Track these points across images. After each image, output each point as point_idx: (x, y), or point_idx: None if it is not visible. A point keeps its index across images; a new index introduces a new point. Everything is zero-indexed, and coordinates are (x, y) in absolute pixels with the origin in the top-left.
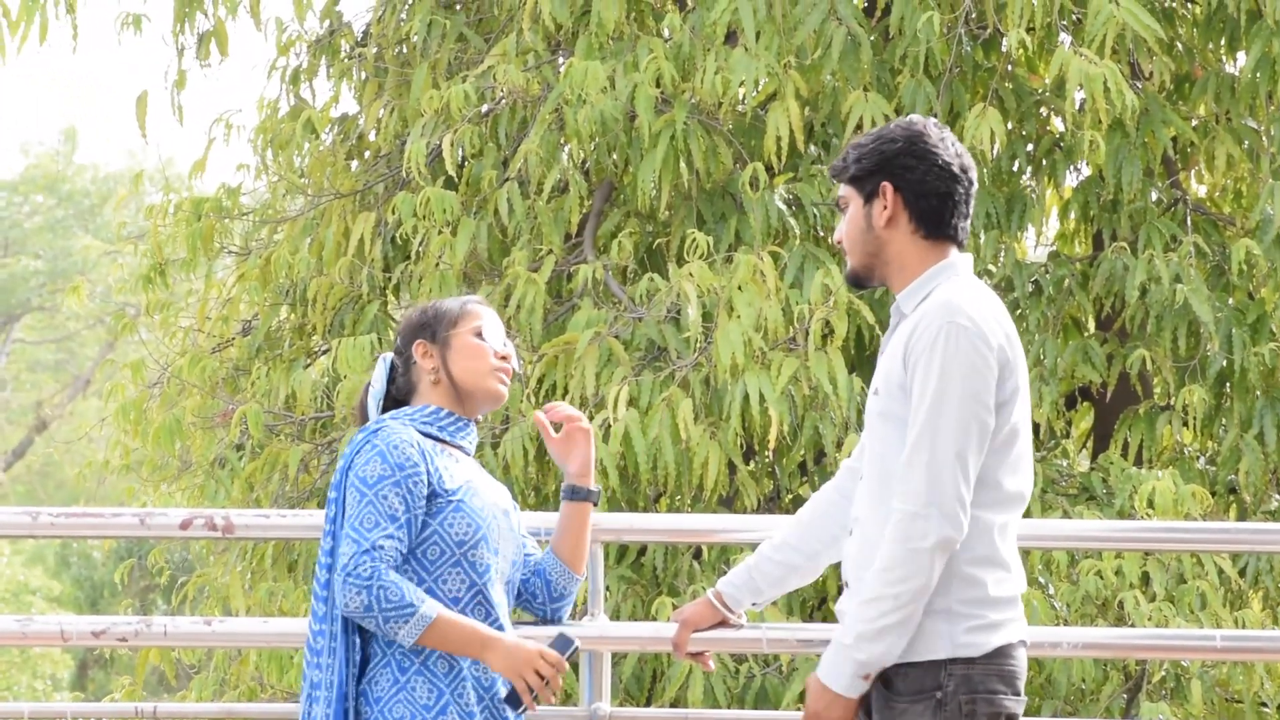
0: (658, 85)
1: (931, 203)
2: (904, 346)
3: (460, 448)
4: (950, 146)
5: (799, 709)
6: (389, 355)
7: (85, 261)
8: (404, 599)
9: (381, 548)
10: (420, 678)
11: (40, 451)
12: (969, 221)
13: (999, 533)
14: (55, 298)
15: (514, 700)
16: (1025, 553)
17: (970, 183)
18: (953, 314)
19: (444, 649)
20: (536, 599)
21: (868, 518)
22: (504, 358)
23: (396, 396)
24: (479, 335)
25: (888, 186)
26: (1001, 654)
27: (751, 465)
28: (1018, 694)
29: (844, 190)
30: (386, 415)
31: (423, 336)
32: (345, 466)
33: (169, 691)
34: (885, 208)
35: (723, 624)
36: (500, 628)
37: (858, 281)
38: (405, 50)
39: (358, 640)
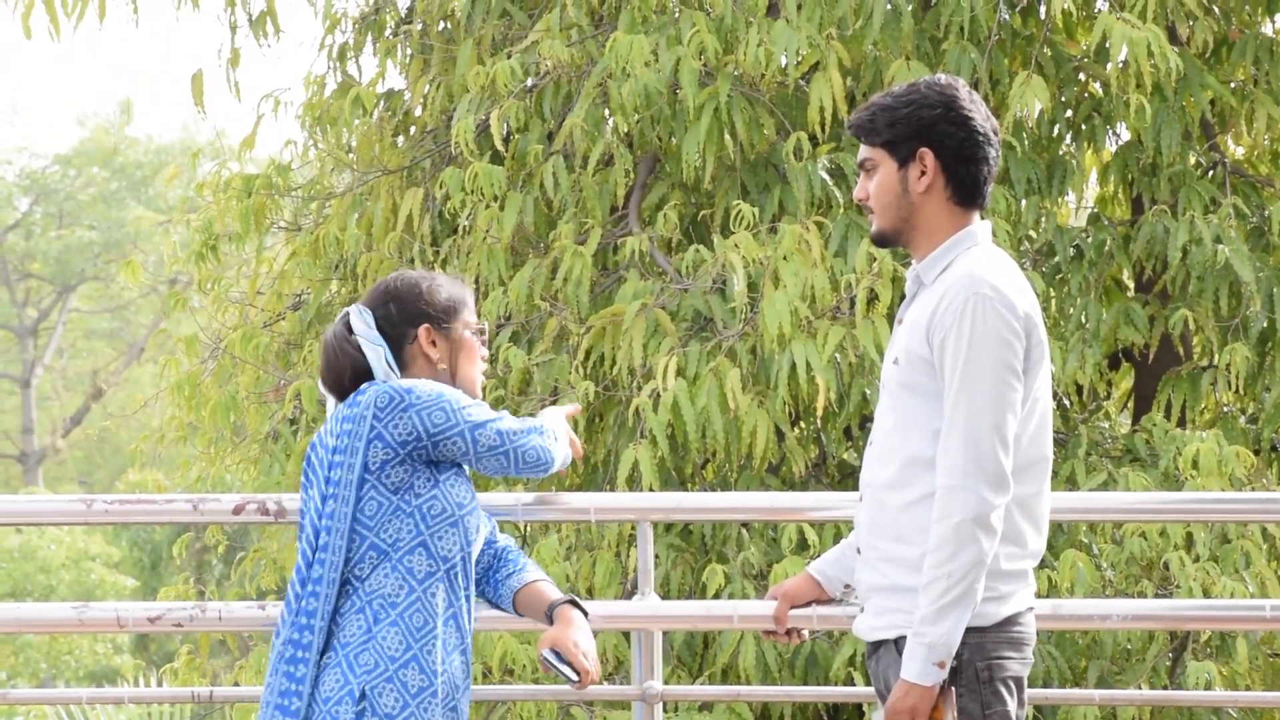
0: (701, 58)
1: (969, 169)
2: (927, 319)
3: None
4: (980, 109)
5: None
6: (366, 311)
7: (138, 232)
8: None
9: (500, 414)
10: (394, 628)
11: (97, 418)
12: (992, 185)
13: (1017, 505)
14: (109, 268)
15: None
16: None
17: (998, 145)
18: (976, 285)
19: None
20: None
21: (878, 484)
22: (482, 330)
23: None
24: (476, 332)
25: (928, 153)
26: (1011, 621)
27: (796, 431)
28: (1026, 659)
29: (871, 152)
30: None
31: (429, 323)
32: (371, 428)
33: (230, 654)
34: (924, 174)
35: (818, 600)
36: (469, 598)
37: (884, 241)
38: (449, 27)
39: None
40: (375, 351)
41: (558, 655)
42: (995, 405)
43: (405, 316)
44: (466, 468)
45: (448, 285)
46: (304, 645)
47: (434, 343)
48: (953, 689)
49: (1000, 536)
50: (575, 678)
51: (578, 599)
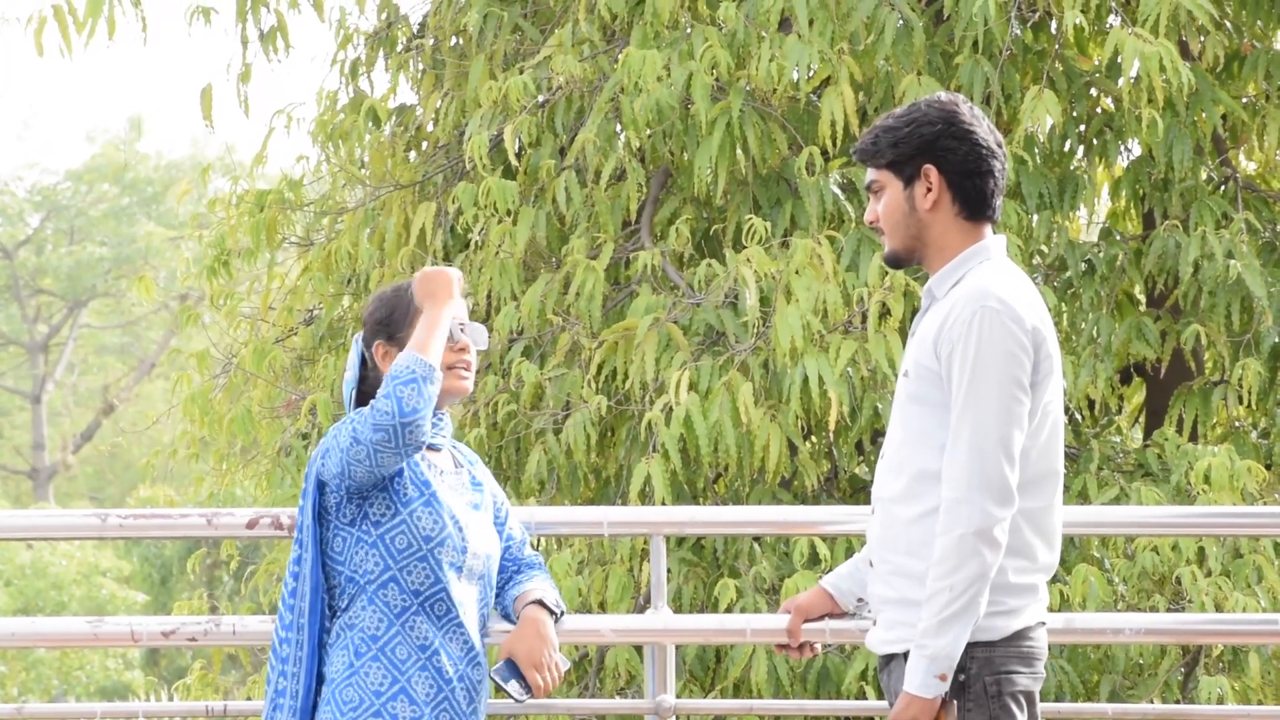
0: (713, 73)
1: (975, 183)
2: (935, 332)
3: (433, 445)
4: (983, 123)
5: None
6: (359, 339)
7: (149, 248)
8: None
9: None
10: (375, 663)
11: (108, 434)
12: (1002, 199)
13: (1026, 519)
14: (120, 284)
15: (519, 679)
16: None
17: (1004, 158)
18: (984, 298)
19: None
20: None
21: (888, 497)
22: (462, 348)
23: (366, 391)
24: None
25: (931, 169)
26: (1021, 636)
27: (809, 445)
28: (1037, 674)
29: (877, 174)
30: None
31: (380, 337)
32: (318, 468)
33: (242, 670)
34: (929, 190)
35: (831, 614)
36: (460, 625)
37: (896, 262)
38: (462, 42)
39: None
40: (347, 386)
41: (512, 667)
42: (1001, 419)
43: (368, 336)
44: (444, 488)
45: (404, 293)
46: (280, 691)
47: (387, 355)
48: (954, 702)
49: (1007, 550)
50: (521, 698)
51: (545, 600)
